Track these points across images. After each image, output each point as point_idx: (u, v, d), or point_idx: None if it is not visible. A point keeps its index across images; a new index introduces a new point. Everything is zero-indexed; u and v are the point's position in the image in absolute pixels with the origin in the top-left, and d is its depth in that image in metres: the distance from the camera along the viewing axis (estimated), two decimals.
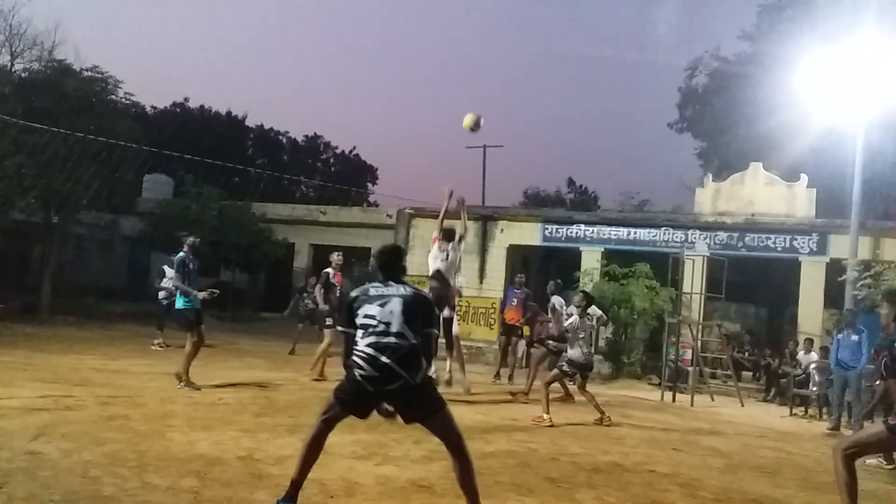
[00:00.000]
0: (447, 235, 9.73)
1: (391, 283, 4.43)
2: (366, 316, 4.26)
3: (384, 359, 4.13)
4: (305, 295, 15.32)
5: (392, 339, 4.17)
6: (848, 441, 5.15)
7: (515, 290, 12.82)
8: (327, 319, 10.58)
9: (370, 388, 4.16)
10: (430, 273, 9.70)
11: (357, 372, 4.19)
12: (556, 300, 10.83)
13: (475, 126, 9.78)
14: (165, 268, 14.30)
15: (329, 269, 11.03)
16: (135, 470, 4.87)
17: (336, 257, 11.24)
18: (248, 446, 5.83)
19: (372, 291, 4.39)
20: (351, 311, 4.37)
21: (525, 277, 13.57)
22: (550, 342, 10.67)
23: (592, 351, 9.48)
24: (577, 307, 9.11)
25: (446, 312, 9.55)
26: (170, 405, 7.46)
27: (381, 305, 4.27)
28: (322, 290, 10.86)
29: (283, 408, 7.90)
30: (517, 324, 12.77)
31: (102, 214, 23.15)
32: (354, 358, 4.22)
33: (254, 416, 7.26)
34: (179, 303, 9.14)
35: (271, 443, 6.03)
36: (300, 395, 9.11)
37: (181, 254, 9.27)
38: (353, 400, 4.30)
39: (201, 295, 9.01)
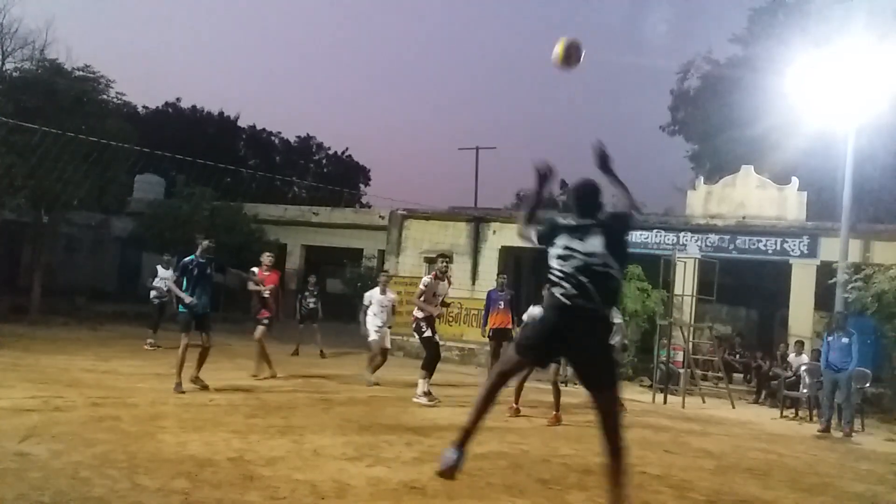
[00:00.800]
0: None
1: (588, 217, 4.21)
2: (566, 248, 4.10)
3: (584, 278, 3.96)
4: (307, 294, 15.41)
5: (595, 264, 4.00)
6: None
7: (499, 293, 12.65)
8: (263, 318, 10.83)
9: (568, 303, 3.94)
10: None
11: (558, 292, 4.01)
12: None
13: (571, 57, 5.55)
14: (159, 267, 14.35)
15: (255, 269, 10.96)
16: (125, 471, 4.86)
17: (266, 258, 11.16)
18: (239, 447, 5.82)
19: (570, 222, 4.22)
20: (551, 234, 4.23)
21: (507, 278, 13.45)
22: None
23: None
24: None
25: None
26: (160, 406, 7.44)
27: (582, 238, 4.08)
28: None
29: (275, 409, 7.90)
30: (507, 327, 12.66)
31: (93, 214, 23.06)
32: (554, 278, 4.07)
33: (245, 417, 7.25)
34: (181, 305, 9.06)
35: (263, 444, 6.02)
36: (291, 396, 9.10)
37: (189, 257, 9.17)
38: (538, 336, 4.14)
39: (188, 300, 8.88)
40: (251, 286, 10.94)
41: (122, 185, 19.94)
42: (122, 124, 18.74)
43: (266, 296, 10.81)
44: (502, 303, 12.47)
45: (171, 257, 14.84)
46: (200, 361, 8.97)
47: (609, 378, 4.07)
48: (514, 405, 9.13)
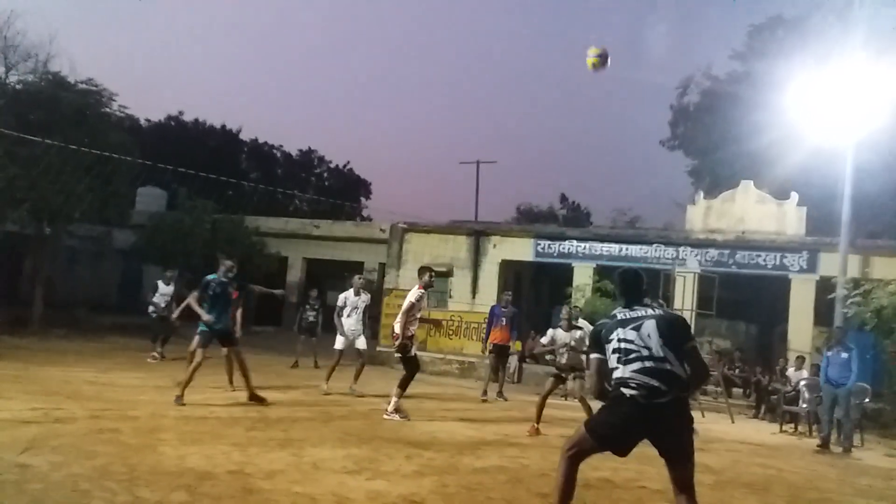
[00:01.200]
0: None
1: (637, 307, 4.32)
2: (621, 340, 4.17)
3: (651, 380, 4.02)
4: (307, 307, 15.49)
5: (655, 363, 4.06)
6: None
7: (503, 309, 12.74)
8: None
9: (642, 401, 3.99)
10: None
11: (627, 391, 4.04)
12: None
13: (601, 61, 7.95)
14: (159, 283, 14.42)
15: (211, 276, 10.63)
16: (125, 484, 4.87)
17: (228, 264, 10.93)
18: (239, 460, 5.83)
19: (620, 316, 4.30)
20: (599, 337, 4.32)
21: (512, 296, 13.54)
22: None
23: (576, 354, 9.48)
24: (563, 320, 9.41)
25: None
26: (161, 419, 7.44)
27: (636, 329, 4.16)
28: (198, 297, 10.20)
29: (275, 422, 7.90)
30: (507, 343, 12.75)
31: (95, 227, 23.08)
32: (621, 384, 4.10)
33: (245, 430, 7.25)
34: (200, 323, 9.14)
35: (262, 457, 6.03)
36: (292, 409, 9.10)
37: (211, 276, 9.35)
38: (618, 431, 4.13)
39: (206, 317, 8.99)
40: (278, 293, 10.93)
41: (124, 197, 20.00)
42: (124, 137, 18.81)
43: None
44: (504, 319, 12.57)
45: (172, 273, 14.91)
46: (245, 375, 9.14)
47: (690, 447, 4.18)
48: (536, 425, 9.00)
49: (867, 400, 11.99)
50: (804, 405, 12.55)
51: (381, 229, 23.41)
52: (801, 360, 13.98)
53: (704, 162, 28.99)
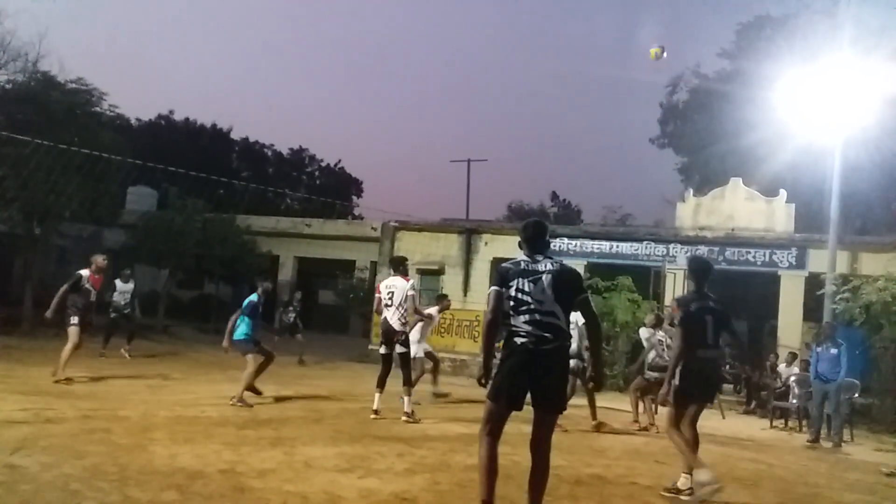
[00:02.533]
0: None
1: (539, 257, 4.56)
2: (518, 290, 4.41)
3: (539, 330, 4.33)
4: (291, 308, 15.60)
5: (546, 318, 4.36)
6: (666, 423, 6.22)
7: None
8: (72, 318, 10.44)
9: (531, 347, 4.30)
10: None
11: (518, 340, 4.34)
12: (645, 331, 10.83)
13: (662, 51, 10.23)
14: (117, 282, 14.39)
15: (84, 271, 10.68)
16: (115, 483, 4.86)
17: (100, 260, 10.86)
18: (231, 459, 5.82)
19: (523, 265, 4.52)
20: (505, 277, 4.50)
21: None
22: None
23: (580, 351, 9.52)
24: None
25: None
26: (151, 418, 7.43)
27: (535, 283, 4.41)
28: (66, 290, 10.44)
29: (266, 421, 7.90)
30: None
31: (85, 226, 22.97)
32: (512, 333, 4.38)
33: (236, 429, 7.25)
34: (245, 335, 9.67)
35: (254, 456, 6.03)
36: (283, 408, 9.11)
37: (253, 296, 9.93)
38: (508, 382, 4.37)
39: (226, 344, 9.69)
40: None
41: (115, 197, 19.91)
42: (114, 136, 18.72)
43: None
44: None
45: (130, 271, 14.91)
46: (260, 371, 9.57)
47: (560, 401, 4.52)
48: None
49: (856, 395, 12.08)
50: (794, 401, 12.64)
51: (372, 228, 23.42)
52: (792, 355, 14.07)
53: (694, 159, 29.12)
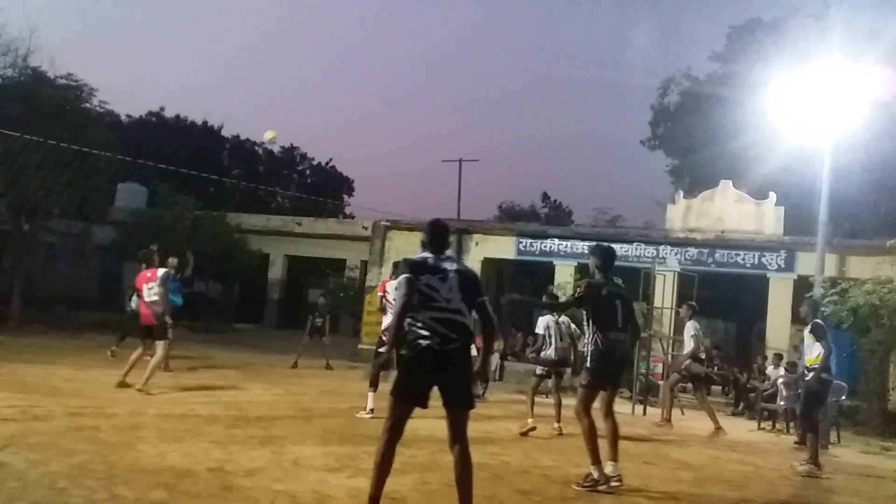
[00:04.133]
0: None
1: (442, 256, 4.62)
2: (426, 285, 4.42)
3: (445, 329, 4.36)
4: (318, 313, 15.81)
5: (453, 316, 4.41)
6: (577, 407, 6.33)
7: None
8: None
9: (436, 348, 4.32)
10: None
11: (422, 342, 4.34)
12: (692, 325, 11.09)
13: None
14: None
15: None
16: (103, 482, 4.84)
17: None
18: (219, 458, 5.81)
19: (431, 262, 4.55)
20: (416, 268, 4.50)
21: (490, 289, 13.78)
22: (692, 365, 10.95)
23: (566, 346, 9.54)
24: (551, 314, 9.53)
25: None
26: (140, 416, 7.40)
27: (443, 280, 4.45)
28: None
29: (255, 419, 7.88)
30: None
31: (75, 223, 22.89)
32: (416, 329, 4.36)
33: (225, 427, 7.23)
34: None
35: (243, 455, 6.02)
36: (272, 406, 9.08)
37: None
38: (414, 380, 4.39)
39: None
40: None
41: (104, 193, 19.84)
42: (104, 133, 18.66)
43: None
44: None
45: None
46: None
47: (469, 398, 4.58)
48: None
49: (843, 397, 12.14)
50: (782, 402, 12.69)
51: (363, 227, 23.39)
52: (779, 357, 14.13)
53: (684, 162, 29.22)
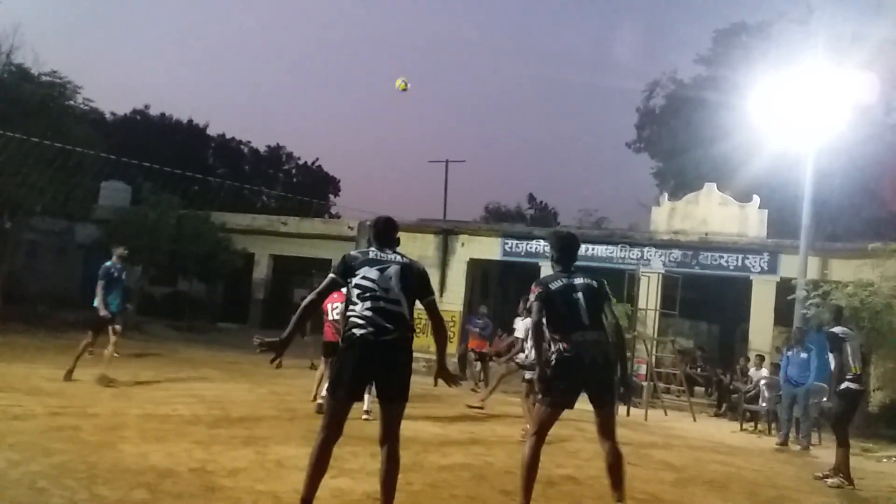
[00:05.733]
0: None
1: (388, 251, 4.52)
2: (364, 277, 4.32)
3: (381, 319, 4.24)
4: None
5: (390, 305, 4.29)
6: (530, 426, 5.20)
7: (477, 321, 13.86)
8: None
9: (371, 338, 4.19)
10: None
11: (357, 332, 4.22)
12: None
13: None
14: None
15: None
16: (84, 482, 4.80)
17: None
18: (202, 458, 5.78)
19: (371, 255, 4.46)
20: (347, 266, 4.40)
21: (476, 291, 14.33)
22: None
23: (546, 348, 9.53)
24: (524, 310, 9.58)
25: None
26: (122, 416, 7.35)
27: (381, 271, 4.35)
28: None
29: (238, 419, 7.85)
30: (485, 350, 13.93)
31: (57, 221, 22.69)
32: (353, 320, 4.26)
33: (208, 427, 7.19)
34: None
35: (225, 455, 5.99)
36: (255, 406, 9.05)
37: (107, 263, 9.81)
38: (350, 373, 4.26)
39: None
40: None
41: (87, 191, 19.68)
42: (88, 130, 18.51)
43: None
44: (477, 329, 14.17)
45: (130, 266, 14.80)
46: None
47: (403, 390, 4.42)
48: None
49: (825, 399, 12.25)
50: (764, 404, 12.80)
51: (349, 227, 23.34)
52: (760, 358, 14.25)
53: (669, 164, 29.39)
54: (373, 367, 4.25)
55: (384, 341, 4.20)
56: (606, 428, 4.97)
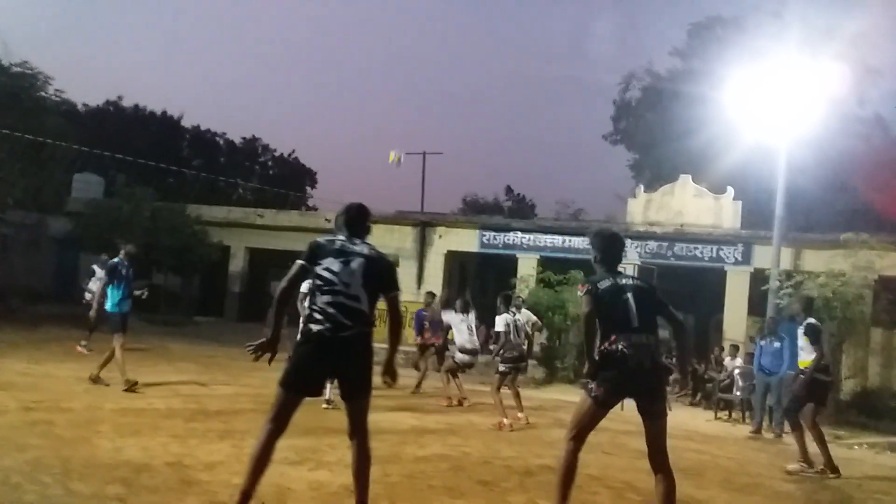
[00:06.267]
0: None
1: (357, 240, 4.39)
2: (327, 269, 4.22)
3: (339, 315, 4.14)
4: None
5: (349, 301, 4.18)
6: (568, 427, 4.83)
7: (424, 313, 13.17)
8: None
9: (328, 335, 4.11)
10: None
11: (314, 327, 4.16)
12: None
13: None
14: (95, 267, 14.06)
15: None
16: (58, 477, 4.75)
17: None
18: (178, 452, 5.74)
19: (338, 245, 4.33)
20: (316, 252, 4.31)
21: (454, 284, 13.79)
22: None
23: (522, 342, 9.69)
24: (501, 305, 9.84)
25: None
26: (97, 410, 7.28)
27: (345, 263, 4.22)
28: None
29: (215, 413, 7.81)
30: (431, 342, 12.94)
31: (29, 213, 22.36)
32: (311, 314, 4.19)
33: (184, 421, 7.15)
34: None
35: (202, 448, 5.95)
36: (232, 400, 9.00)
37: (114, 260, 9.36)
38: (304, 369, 4.22)
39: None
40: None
41: (60, 184, 19.46)
42: (60, 122, 18.28)
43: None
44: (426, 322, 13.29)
45: (107, 258, 14.59)
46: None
47: (365, 385, 4.28)
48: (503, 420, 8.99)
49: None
50: (738, 393, 12.96)
51: (326, 219, 23.18)
52: (735, 348, 14.42)
53: (645, 156, 29.58)
54: (329, 363, 4.18)
55: (341, 338, 4.12)
56: (656, 446, 4.69)
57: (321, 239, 4.41)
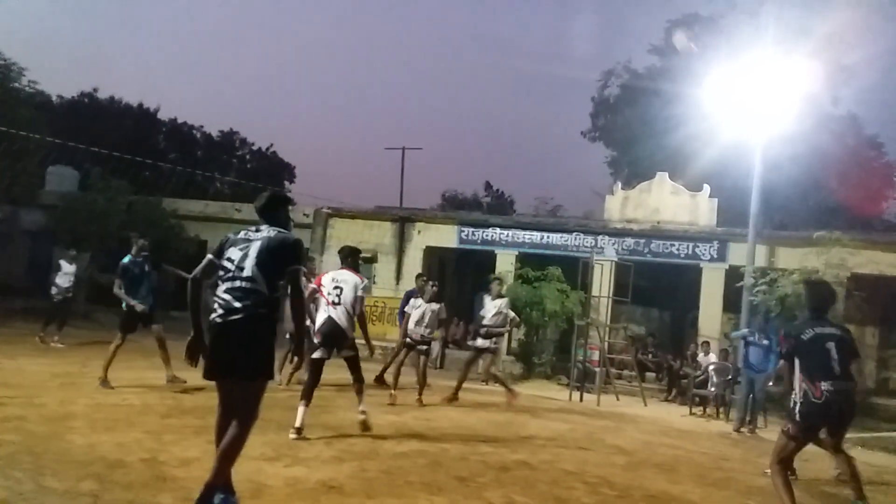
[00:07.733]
0: None
1: (264, 227, 4.45)
2: (227, 258, 4.28)
3: (232, 299, 4.16)
4: None
5: (243, 283, 4.20)
6: (772, 457, 5.59)
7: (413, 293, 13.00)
8: None
9: (219, 321, 4.14)
10: None
11: (213, 317, 4.19)
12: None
13: None
14: (62, 262, 13.97)
15: None
16: (30, 472, 4.70)
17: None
18: (153, 448, 5.70)
19: (242, 234, 4.41)
20: (221, 246, 4.39)
21: (432, 280, 13.50)
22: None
23: (427, 324, 10.27)
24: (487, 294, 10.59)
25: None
26: (70, 406, 7.20)
27: (243, 250, 4.28)
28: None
29: (190, 409, 7.75)
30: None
31: (1, 207, 22.04)
32: (214, 306, 4.22)
33: (160, 417, 7.10)
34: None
35: (177, 444, 5.91)
36: (208, 396, 8.91)
37: (125, 258, 9.57)
38: (207, 357, 4.22)
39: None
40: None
41: (33, 176, 19.20)
42: (33, 113, 18.03)
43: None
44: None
45: (75, 252, 14.51)
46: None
47: (250, 367, 4.27)
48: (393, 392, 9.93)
49: (771, 384, 12.58)
50: (712, 388, 13.10)
51: (304, 214, 23.07)
52: (706, 344, 14.57)
53: (623, 153, 29.74)
54: (222, 347, 4.16)
55: (231, 321, 4.12)
56: (832, 443, 5.98)
57: (232, 233, 4.46)
